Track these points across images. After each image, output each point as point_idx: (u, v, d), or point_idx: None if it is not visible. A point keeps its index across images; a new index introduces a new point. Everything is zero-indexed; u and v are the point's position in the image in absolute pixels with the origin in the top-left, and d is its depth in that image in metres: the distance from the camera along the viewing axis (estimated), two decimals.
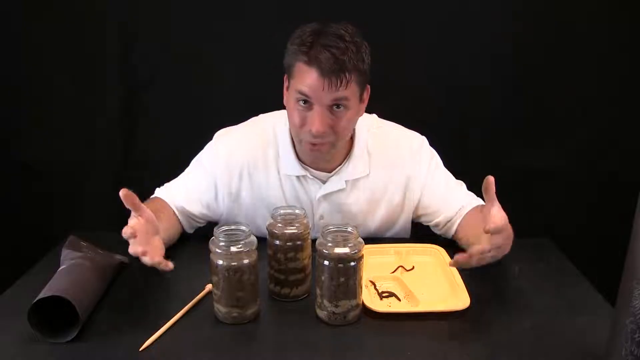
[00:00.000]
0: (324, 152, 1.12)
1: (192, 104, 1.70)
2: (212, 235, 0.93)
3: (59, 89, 1.70)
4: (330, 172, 1.21)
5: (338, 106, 1.06)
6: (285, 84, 1.13)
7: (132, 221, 0.92)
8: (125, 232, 0.88)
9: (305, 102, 1.06)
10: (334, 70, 1.01)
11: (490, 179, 0.93)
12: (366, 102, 1.16)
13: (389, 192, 1.23)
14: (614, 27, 1.62)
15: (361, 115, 1.17)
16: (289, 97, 1.11)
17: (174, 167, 1.27)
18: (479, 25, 1.62)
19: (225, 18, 1.62)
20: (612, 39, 1.63)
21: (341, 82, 1.02)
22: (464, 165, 1.30)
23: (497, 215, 0.92)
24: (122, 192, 0.89)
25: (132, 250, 0.89)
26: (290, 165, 1.19)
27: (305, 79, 1.04)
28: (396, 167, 1.22)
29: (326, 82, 1.02)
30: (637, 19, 1.61)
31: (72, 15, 1.62)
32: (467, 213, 1.19)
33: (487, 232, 0.91)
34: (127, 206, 0.91)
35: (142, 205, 0.93)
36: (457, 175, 1.27)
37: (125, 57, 1.67)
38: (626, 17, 1.61)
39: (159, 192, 1.24)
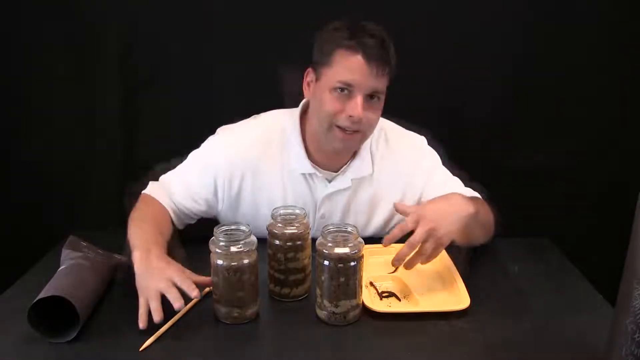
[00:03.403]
0: (354, 141, 1.12)
1: (192, 104, 1.69)
2: (212, 235, 0.93)
3: (59, 89, 1.70)
4: (336, 171, 1.20)
5: (372, 97, 1.07)
6: (308, 78, 1.13)
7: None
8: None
9: (343, 89, 1.06)
10: (378, 57, 1.03)
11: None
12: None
13: (389, 192, 1.23)
14: (614, 26, 1.62)
15: None
16: (319, 87, 1.09)
17: (174, 167, 1.27)
18: (478, 25, 1.61)
19: (225, 18, 1.61)
20: (612, 39, 1.62)
21: (382, 70, 1.04)
22: (463, 166, 1.29)
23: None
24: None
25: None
26: (300, 163, 1.18)
27: (349, 65, 1.04)
28: (396, 167, 1.22)
29: (372, 67, 1.03)
30: (637, 19, 1.61)
31: (72, 15, 1.62)
32: None
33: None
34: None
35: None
36: (457, 176, 1.26)
37: (125, 57, 1.67)
38: (626, 17, 1.61)
39: (153, 190, 1.20)
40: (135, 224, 1.09)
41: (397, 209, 1.02)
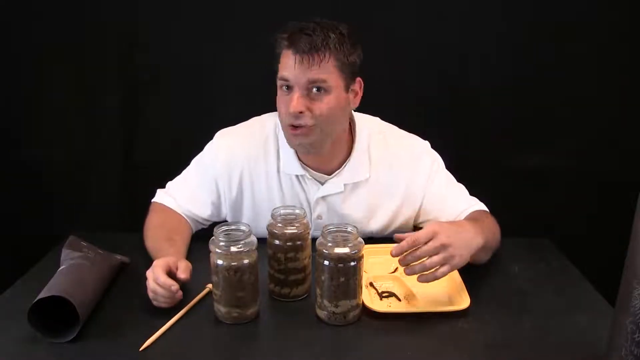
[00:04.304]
0: (306, 137, 1.09)
1: (192, 104, 1.70)
2: (212, 235, 0.93)
3: (59, 89, 1.70)
4: (329, 174, 1.20)
5: (319, 89, 1.07)
6: None
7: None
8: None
9: (288, 87, 1.08)
10: (308, 49, 1.04)
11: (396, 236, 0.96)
12: (359, 95, 1.15)
13: (388, 198, 1.21)
14: (613, 26, 1.62)
15: (353, 107, 1.16)
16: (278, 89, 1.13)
17: (174, 167, 1.27)
18: (479, 25, 1.62)
19: (226, 18, 1.62)
20: (611, 39, 1.62)
21: (314, 61, 1.04)
22: (464, 166, 1.29)
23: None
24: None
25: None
26: (290, 164, 1.19)
27: (284, 61, 1.07)
28: (396, 172, 1.20)
29: (298, 60, 1.04)
30: (636, 19, 1.61)
31: (73, 15, 1.62)
32: (464, 218, 1.17)
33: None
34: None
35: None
36: (457, 176, 1.27)
37: (126, 57, 1.67)
38: (626, 17, 1.61)
39: (163, 198, 1.24)
40: (145, 235, 1.16)
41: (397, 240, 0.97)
